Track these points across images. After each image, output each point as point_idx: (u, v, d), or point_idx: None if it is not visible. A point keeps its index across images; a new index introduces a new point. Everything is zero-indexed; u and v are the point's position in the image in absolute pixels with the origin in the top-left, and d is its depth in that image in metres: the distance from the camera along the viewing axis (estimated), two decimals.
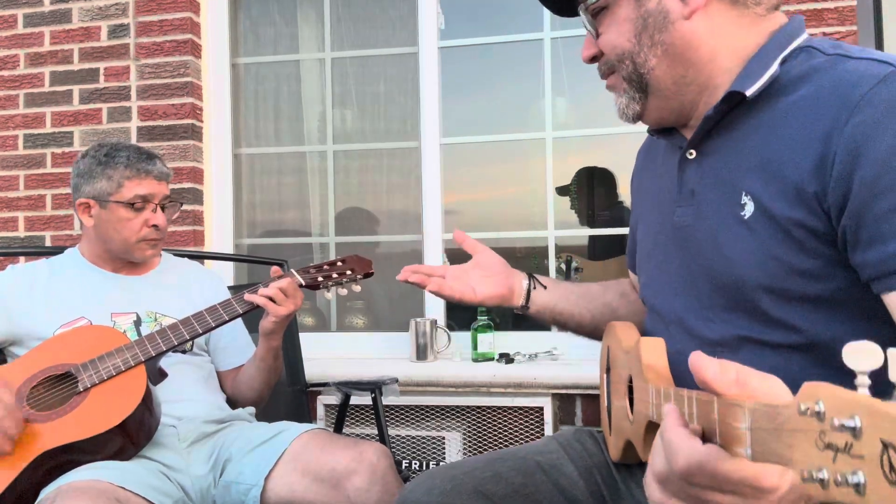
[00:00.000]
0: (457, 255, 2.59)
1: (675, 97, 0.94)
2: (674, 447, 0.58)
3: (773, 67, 0.87)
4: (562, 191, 2.61)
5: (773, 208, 0.83)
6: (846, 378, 0.80)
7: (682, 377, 0.91)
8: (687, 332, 0.93)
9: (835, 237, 0.80)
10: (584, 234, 2.81)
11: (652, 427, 0.81)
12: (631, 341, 0.99)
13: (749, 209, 0.86)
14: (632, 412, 0.92)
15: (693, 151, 0.95)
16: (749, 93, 0.86)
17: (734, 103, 0.89)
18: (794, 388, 0.80)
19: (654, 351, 0.88)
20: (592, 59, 1.00)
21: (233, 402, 1.71)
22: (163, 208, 1.63)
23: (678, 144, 0.99)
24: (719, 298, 0.90)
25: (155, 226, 1.60)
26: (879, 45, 2.35)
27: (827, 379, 0.80)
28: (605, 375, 1.10)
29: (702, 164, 0.94)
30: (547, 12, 2.51)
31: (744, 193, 0.87)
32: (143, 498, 1.25)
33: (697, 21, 0.90)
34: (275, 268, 1.60)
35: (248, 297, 1.53)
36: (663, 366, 0.86)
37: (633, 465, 1.05)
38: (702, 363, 0.56)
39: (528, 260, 2.78)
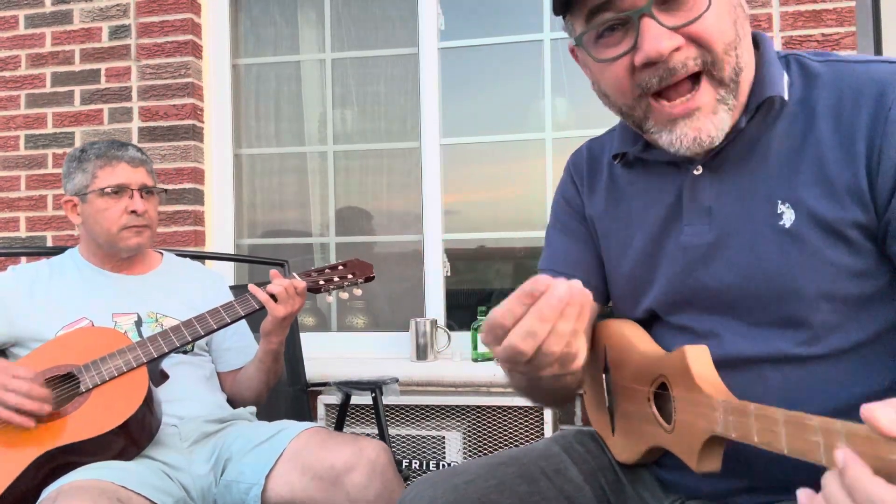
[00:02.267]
0: (457, 256, 2.60)
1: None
2: (878, 500, 0.52)
3: (786, 75, 0.86)
4: None
5: (822, 212, 0.81)
6: (885, 375, 0.81)
7: None
8: (723, 349, 0.87)
9: (877, 230, 0.80)
10: None
11: (716, 441, 0.79)
12: (653, 347, 0.96)
13: (789, 217, 0.83)
14: (666, 420, 0.89)
15: (700, 167, 0.89)
16: (786, 96, 0.85)
17: (753, 115, 0.86)
18: (836, 395, 0.82)
19: (703, 360, 0.83)
20: (666, 53, 0.81)
21: (231, 402, 1.72)
22: (144, 196, 1.62)
23: (673, 161, 0.92)
24: (762, 314, 0.86)
25: (134, 212, 1.59)
26: (878, 46, 2.36)
27: (869, 381, 0.81)
28: (602, 376, 1.09)
29: (715, 180, 0.89)
30: (547, 13, 2.54)
31: (780, 202, 0.83)
32: (145, 497, 1.26)
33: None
34: (273, 271, 1.60)
35: (251, 288, 1.53)
36: (715, 376, 0.83)
37: (638, 466, 1.04)
38: (875, 414, 0.53)
39: (528, 260, 2.79)
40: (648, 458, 0.99)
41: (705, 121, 0.83)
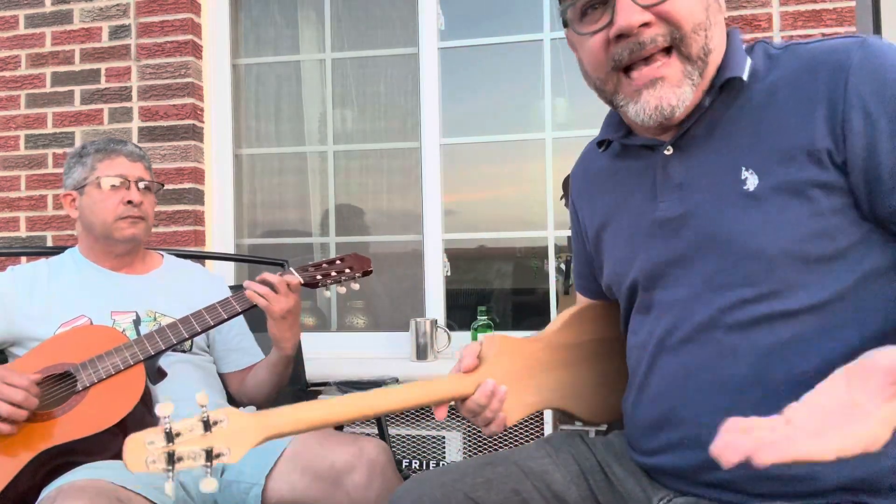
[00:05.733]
0: (457, 256, 2.60)
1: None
2: None
3: (749, 58, 0.93)
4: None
5: (781, 174, 0.86)
6: (852, 334, 0.84)
7: (691, 373, 0.92)
8: (692, 319, 0.92)
9: (848, 191, 0.84)
10: None
11: None
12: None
13: (753, 182, 0.88)
14: None
15: (671, 148, 0.96)
16: (745, 77, 0.91)
17: (716, 96, 0.92)
18: (804, 357, 0.84)
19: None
20: (637, 28, 0.88)
21: (236, 403, 1.71)
22: (141, 190, 1.65)
23: (647, 144, 0.99)
24: (729, 277, 0.89)
25: (130, 202, 1.61)
26: None
27: (836, 341, 0.84)
28: None
29: (685, 158, 0.95)
30: (547, 13, 2.54)
31: (743, 169, 0.89)
32: (144, 497, 1.26)
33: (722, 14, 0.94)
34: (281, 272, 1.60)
35: (246, 283, 1.53)
36: None
37: (629, 465, 1.05)
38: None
39: (528, 260, 2.79)
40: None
41: (668, 90, 0.89)
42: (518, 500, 0.99)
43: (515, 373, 1.05)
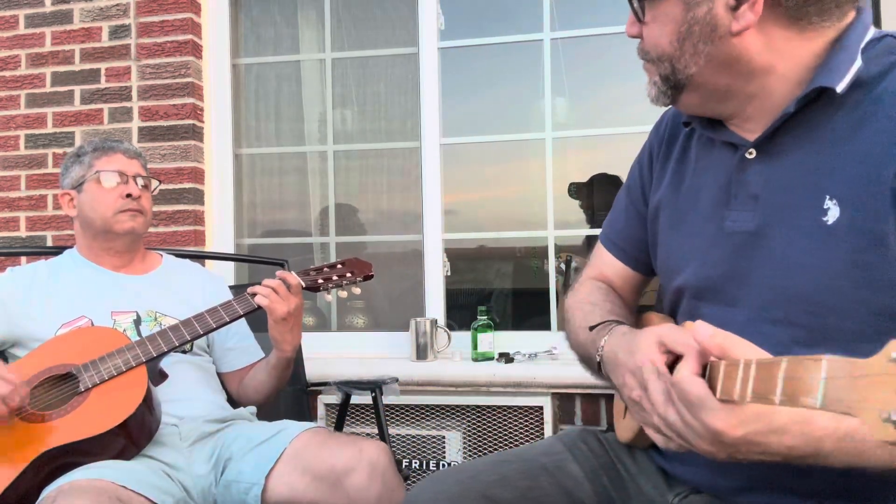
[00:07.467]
0: (457, 256, 2.60)
1: (715, 96, 0.89)
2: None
3: (858, 61, 0.81)
4: (575, 190, 2.61)
5: (864, 212, 0.77)
6: None
7: None
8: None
9: None
10: (584, 233, 2.81)
11: None
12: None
13: (834, 214, 0.79)
14: None
15: (753, 151, 0.88)
16: (840, 88, 0.79)
17: (812, 99, 0.82)
18: None
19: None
20: (635, 37, 0.94)
21: (235, 402, 1.72)
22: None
23: (730, 141, 0.92)
24: (786, 312, 0.84)
25: (129, 195, 1.62)
26: None
27: None
28: None
29: (766, 166, 0.87)
30: (547, 13, 2.54)
31: (828, 197, 0.80)
32: (145, 497, 1.26)
33: (749, 37, 0.83)
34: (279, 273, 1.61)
35: (251, 290, 1.53)
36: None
37: (644, 459, 1.05)
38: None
39: (528, 260, 2.79)
40: (642, 438, 1.00)
41: (650, 86, 0.94)
42: (533, 497, 0.99)
43: None
